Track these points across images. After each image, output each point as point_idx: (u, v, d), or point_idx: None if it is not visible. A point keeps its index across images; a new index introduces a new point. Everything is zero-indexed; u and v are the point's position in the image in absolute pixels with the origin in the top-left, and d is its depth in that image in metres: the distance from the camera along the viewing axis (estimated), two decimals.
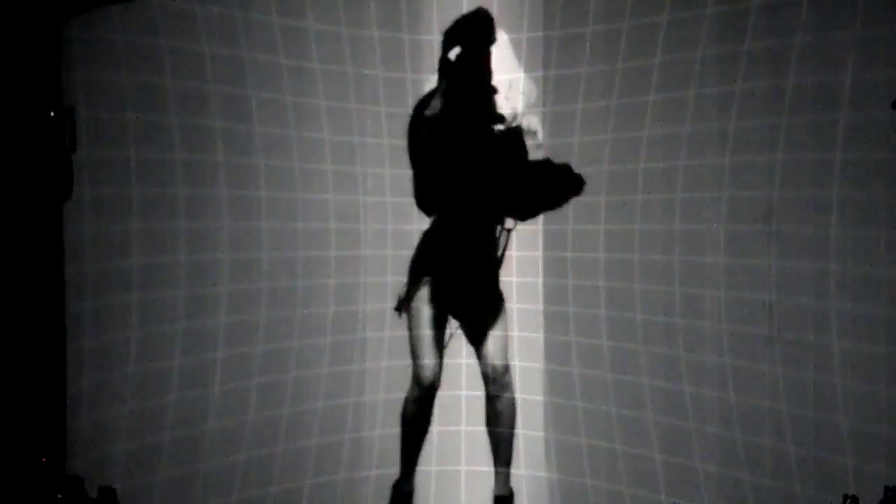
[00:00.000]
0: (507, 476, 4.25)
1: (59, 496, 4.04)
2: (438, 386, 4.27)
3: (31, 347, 4.12)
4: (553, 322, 4.48)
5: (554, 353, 4.48)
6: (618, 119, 4.31)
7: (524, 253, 4.43)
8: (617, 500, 4.32)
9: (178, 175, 4.13)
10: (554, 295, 4.44)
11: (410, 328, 4.28)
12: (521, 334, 4.47)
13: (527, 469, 4.43)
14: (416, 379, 4.28)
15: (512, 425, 4.26)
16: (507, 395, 4.26)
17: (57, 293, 4.11)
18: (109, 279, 4.11)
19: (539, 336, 4.47)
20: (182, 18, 4.10)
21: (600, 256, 4.33)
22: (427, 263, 4.26)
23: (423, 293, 4.23)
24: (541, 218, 4.37)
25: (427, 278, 4.23)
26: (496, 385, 4.26)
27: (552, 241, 4.45)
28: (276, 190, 4.29)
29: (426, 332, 4.26)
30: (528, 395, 4.47)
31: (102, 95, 4.05)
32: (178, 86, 4.12)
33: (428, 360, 4.26)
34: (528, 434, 4.45)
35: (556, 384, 4.47)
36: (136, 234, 4.09)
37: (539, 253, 4.45)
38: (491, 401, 4.28)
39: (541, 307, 4.47)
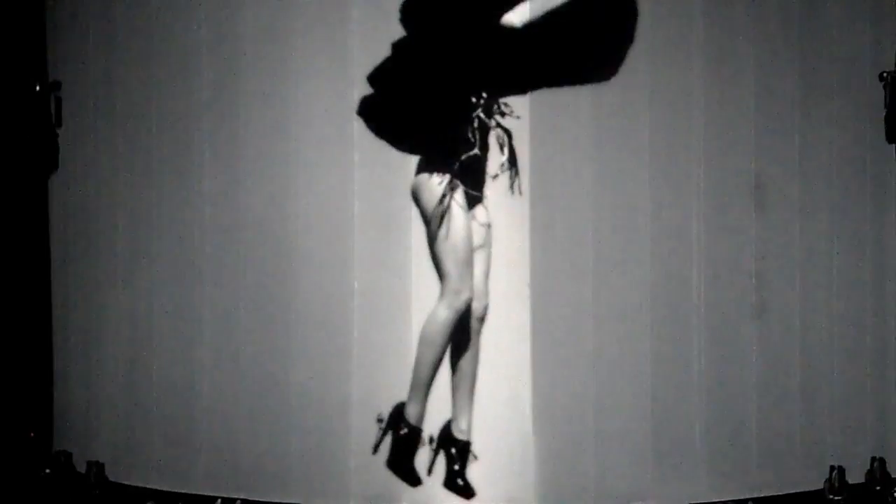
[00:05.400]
0: (470, 420, 3.98)
1: (47, 471, 4.06)
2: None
3: (17, 321, 4.14)
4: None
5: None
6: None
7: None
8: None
9: (165, 146, 4.07)
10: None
11: (448, 238, 3.84)
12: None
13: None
14: (458, 293, 3.84)
15: (478, 358, 3.98)
16: (481, 327, 3.91)
17: (43, 267, 4.12)
18: (96, 253, 4.11)
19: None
20: None
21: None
22: (446, 167, 3.83)
23: (455, 198, 3.84)
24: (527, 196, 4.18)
25: (456, 184, 3.82)
26: (478, 320, 3.99)
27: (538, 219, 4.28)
28: (267, 158, 4.12)
29: (465, 243, 3.84)
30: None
31: (89, 68, 4.06)
32: (168, 58, 4.07)
33: (469, 272, 3.84)
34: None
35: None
36: (123, 206, 4.08)
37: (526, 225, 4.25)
38: (466, 334, 3.89)
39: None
